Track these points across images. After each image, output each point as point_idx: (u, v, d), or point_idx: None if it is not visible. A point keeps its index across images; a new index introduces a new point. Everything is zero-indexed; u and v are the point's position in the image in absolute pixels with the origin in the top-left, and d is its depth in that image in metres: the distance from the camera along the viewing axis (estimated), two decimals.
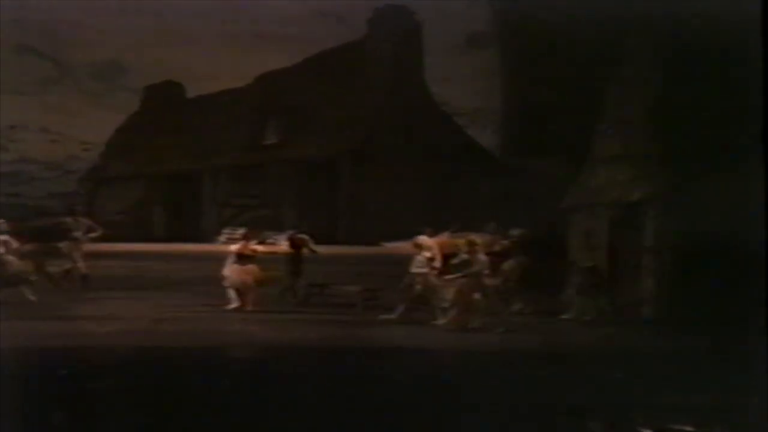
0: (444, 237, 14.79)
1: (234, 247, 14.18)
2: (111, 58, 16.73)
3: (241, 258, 14.08)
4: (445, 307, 13.21)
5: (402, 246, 16.78)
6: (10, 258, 13.69)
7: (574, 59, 15.31)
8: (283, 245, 15.14)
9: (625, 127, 14.46)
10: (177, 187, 18.15)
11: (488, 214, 16.33)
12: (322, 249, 15.28)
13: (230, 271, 13.97)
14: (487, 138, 17.25)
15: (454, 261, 13.48)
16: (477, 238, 13.66)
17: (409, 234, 16.74)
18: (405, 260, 15.47)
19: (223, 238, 16.22)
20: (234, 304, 13.91)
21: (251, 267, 14.04)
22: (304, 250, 14.89)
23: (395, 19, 17.42)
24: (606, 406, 11.15)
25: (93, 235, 14.64)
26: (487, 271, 13.11)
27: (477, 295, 12.96)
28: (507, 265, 14.45)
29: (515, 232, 14.79)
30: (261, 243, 15.10)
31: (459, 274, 13.10)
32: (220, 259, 15.07)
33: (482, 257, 13.06)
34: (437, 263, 13.75)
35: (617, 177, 14.41)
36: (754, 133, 12.09)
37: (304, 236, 15.03)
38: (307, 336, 13.04)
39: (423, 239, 13.59)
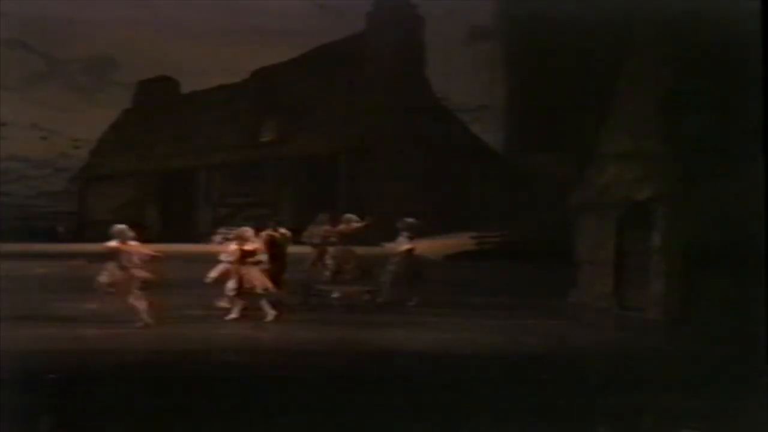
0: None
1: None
2: (103, 53, 16.77)
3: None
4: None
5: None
6: None
7: (581, 54, 15.34)
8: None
9: (634, 124, 14.49)
10: (171, 186, 18.17)
11: (491, 212, 16.39)
12: None
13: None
14: (491, 134, 17.24)
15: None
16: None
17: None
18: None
19: (218, 238, 16.20)
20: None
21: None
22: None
23: (396, 13, 17.43)
24: (613, 409, 11.23)
25: None
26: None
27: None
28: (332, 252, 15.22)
29: (348, 217, 15.31)
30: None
31: None
32: (215, 260, 15.12)
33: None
34: (262, 257, 14.21)
35: (625, 175, 14.52)
36: (755, 132, 12.20)
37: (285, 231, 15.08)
38: (307, 338, 13.09)
39: (244, 231, 14.18)
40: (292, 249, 15.15)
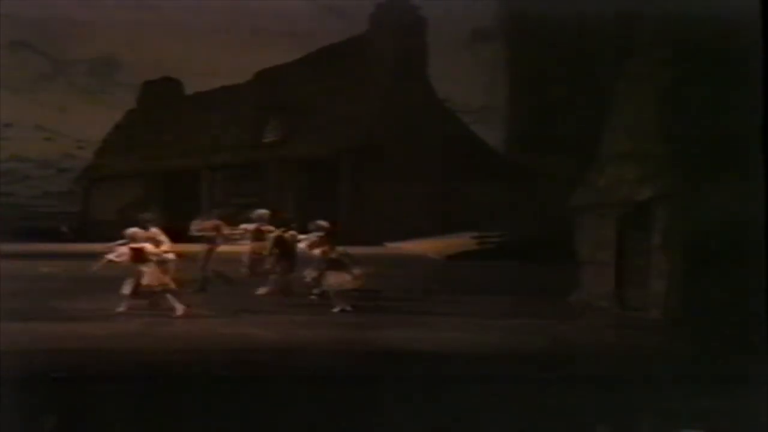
0: None
1: None
2: (107, 54, 16.73)
3: None
4: None
5: (406, 246, 16.80)
6: None
7: (582, 55, 15.32)
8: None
9: (634, 125, 14.46)
10: (174, 186, 18.13)
11: (492, 212, 16.34)
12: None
13: None
14: (492, 135, 17.19)
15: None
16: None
17: (413, 234, 16.76)
18: (407, 261, 15.52)
19: (220, 239, 16.14)
20: None
21: None
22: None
23: (398, 15, 17.40)
24: (613, 408, 11.20)
25: None
26: None
27: None
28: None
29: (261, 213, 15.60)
30: None
31: None
32: (218, 259, 15.12)
33: None
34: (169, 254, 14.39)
35: (626, 175, 14.50)
36: (755, 132, 12.16)
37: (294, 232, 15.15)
38: (307, 338, 13.05)
39: (134, 232, 14.34)
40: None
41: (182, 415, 11.10)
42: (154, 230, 14.48)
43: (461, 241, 16.74)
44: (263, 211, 15.47)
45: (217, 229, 15.56)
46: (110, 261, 14.01)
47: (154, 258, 14.16)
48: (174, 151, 18.28)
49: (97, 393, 11.25)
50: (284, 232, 15.18)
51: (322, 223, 14.97)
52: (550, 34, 15.47)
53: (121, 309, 13.95)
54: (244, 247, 15.59)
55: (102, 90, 16.97)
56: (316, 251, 14.64)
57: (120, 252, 14.08)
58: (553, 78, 15.92)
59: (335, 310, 14.20)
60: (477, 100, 17.02)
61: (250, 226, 15.54)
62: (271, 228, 15.33)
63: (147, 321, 13.60)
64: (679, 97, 13.87)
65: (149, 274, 14.05)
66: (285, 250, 15.17)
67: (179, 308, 13.97)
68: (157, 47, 15.91)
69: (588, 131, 14.98)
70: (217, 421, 11.04)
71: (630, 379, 11.92)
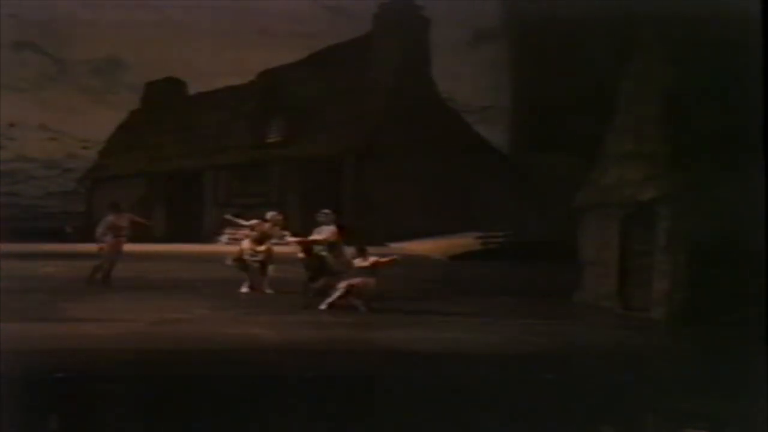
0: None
1: None
2: (111, 55, 16.81)
3: None
4: None
5: (409, 246, 16.80)
6: None
7: (586, 55, 15.31)
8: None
9: (637, 125, 14.44)
10: (178, 186, 18.21)
11: (496, 212, 16.35)
12: None
13: None
14: (496, 135, 17.22)
15: None
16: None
17: (416, 234, 16.78)
18: (410, 261, 15.50)
19: (224, 238, 16.20)
20: None
21: None
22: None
23: (402, 15, 17.44)
24: (617, 409, 11.18)
25: None
26: None
27: None
28: None
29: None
30: None
31: None
32: (221, 260, 15.13)
33: None
34: None
35: (629, 175, 14.46)
36: (756, 132, 12.14)
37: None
38: (311, 338, 13.04)
39: None
40: None
41: (183, 414, 11.11)
42: None
43: (465, 242, 16.75)
44: (273, 214, 15.17)
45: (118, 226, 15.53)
46: None
47: None
48: (177, 151, 18.36)
49: (98, 393, 11.26)
50: (303, 248, 14.87)
51: (327, 211, 14.66)
52: (553, 35, 15.47)
53: None
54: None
55: (106, 90, 17.05)
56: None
57: None
58: (556, 78, 15.92)
59: (322, 306, 14.01)
60: (480, 100, 17.05)
61: (253, 222, 15.37)
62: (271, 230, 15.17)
63: (148, 321, 13.60)
64: (681, 97, 13.85)
65: None
66: (317, 262, 14.88)
67: None
68: (161, 48, 15.95)
69: (591, 131, 14.97)
70: (219, 421, 11.04)
71: (632, 379, 11.90)
